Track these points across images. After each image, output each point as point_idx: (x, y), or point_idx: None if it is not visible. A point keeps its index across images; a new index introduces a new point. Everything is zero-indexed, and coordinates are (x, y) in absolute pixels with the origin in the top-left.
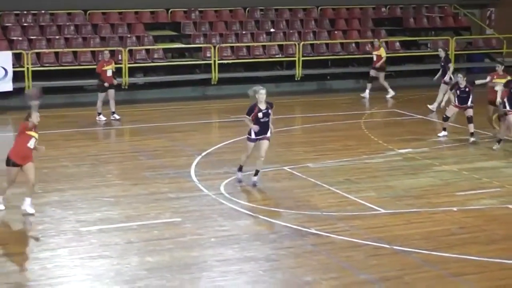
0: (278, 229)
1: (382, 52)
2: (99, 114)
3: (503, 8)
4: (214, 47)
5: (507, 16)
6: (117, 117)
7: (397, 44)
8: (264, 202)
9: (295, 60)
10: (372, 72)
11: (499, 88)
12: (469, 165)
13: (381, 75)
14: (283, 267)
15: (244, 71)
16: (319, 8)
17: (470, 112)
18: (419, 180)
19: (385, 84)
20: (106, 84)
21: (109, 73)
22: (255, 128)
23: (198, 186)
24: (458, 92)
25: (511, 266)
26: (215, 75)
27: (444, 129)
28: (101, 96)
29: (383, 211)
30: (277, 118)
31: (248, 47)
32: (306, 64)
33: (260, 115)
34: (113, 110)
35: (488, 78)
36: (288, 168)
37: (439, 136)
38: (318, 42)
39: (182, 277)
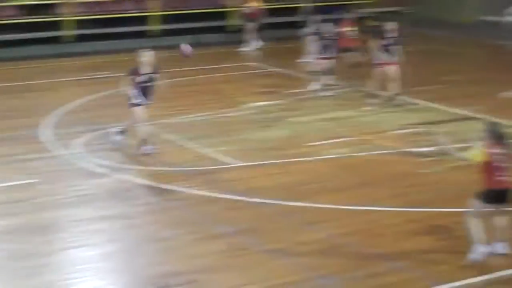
0: (134, 186)
1: (258, 3)
2: None
3: None
4: (67, 3)
5: None
6: None
7: None
8: (119, 160)
9: (150, 15)
10: (249, 24)
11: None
12: (323, 116)
13: (251, 26)
14: (139, 224)
15: (99, 27)
16: None
17: (333, 63)
18: (274, 132)
19: (251, 36)
20: None
21: None
22: (135, 92)
23: (53, 146)
24: (325, 42)
25: (363, 212)
26: (68, 32)
27: (315, 81)
28: None
29: (238, 164)
30: None
31: (101, 2)
32: (163, 18)
33: (142, 78)
34: None
35: (340, 27)
36: None
37: (313, 90)
38: None
39: (35, 239)
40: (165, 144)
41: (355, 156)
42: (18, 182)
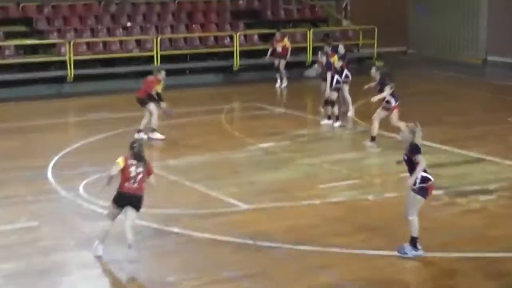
0: (139, 229)
1: (287, 42)
2: None
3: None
4: (69, 42)
5: (361, 7)
6: None
7: (256, 37)
8: None
9: (153, 55)
10: (277, 62)
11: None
12: (329, 157)
13: (282, 63)
14: (145, 268)
15: (101, 67)
16: (176, 1)
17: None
18: (281, 174)
19: (284, 72)
20: None
21: None
22: None
23: (56, 188)
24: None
25: (373, 256)
26: (70, 72)
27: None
28: None
29: (245, 206)
30: (136, 115)
31: (104, 43)
32: (164, 59)
33: None
34: None
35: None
36: None
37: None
38: (176, 36)
39: (40, 283)
40: (172, 185)
41: (363, 198)
42: (21, 225)
